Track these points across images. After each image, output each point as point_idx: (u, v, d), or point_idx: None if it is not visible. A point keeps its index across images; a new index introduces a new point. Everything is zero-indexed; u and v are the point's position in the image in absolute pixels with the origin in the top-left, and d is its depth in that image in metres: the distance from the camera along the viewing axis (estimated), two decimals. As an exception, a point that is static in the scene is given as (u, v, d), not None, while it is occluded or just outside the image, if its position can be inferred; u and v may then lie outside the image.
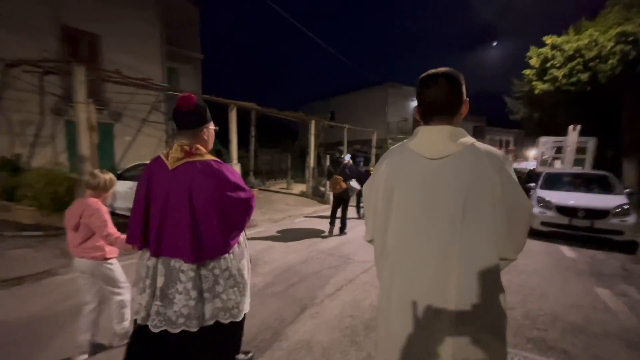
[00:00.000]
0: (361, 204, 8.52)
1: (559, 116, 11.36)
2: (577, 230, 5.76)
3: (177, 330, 1.37)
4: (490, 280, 0.93)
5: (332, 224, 6.09)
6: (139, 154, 9.32)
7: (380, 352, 1.09)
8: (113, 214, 6.54)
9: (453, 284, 0.92)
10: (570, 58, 9.61)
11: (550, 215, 6.04)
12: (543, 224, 6.10)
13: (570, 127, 10.05)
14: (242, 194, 1.46)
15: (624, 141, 10.47)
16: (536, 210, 6.08)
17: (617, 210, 5.56)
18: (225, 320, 1.46)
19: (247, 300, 1.59)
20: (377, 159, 15.40)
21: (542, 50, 10.51)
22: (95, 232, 2.02)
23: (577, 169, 9.13)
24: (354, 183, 6.00)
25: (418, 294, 0.97)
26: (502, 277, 0.99)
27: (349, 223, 6.36)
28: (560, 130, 10.55)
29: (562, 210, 5.95)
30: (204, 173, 1.38)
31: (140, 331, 1.44)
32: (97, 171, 2.18)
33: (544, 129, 12.41)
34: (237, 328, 1.58)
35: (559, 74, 9.82)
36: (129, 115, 9.41)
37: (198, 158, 1.41)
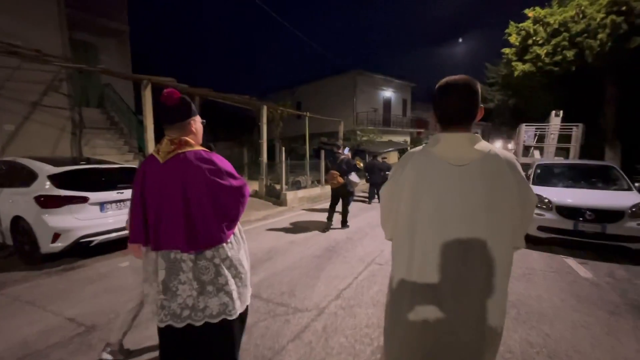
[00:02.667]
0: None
1: (538, 101, 10.35)
2: (584, 237, 4.53)
3: (182, 325, 1.36)
4: (506, 268, 1.07)
5: (329, 219, 6.00)
6: (29, 147, 7.05)
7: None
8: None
9: (478, 273, 1.04)
10: (555, 33, 8.48)
11: (550, 218, 4.77)
12: (541, 228, 4.82)
13: (553, 113, 9.08)
14: (234, 182, 1.44)
15: (606, 128, 9.65)
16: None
17: (634, 210, 4.39)
18: (232, 316, 1.43)
19: (249, 291, 1.58)
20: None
21: (524, 24, 9.28)
22: None
23: (559, 159, 8.20)
24: (353, 177, 5.94)
25: (453, 282, 1.05)
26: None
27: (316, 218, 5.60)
28: (536, 118, 9.57)
29: (565, 211, 4.70)
30: (194, 162, 1.37)
31: (165, 331, 1.41)
32: None
33: (520, 117, 11.52)
34: (242, 319, 1.57)
35: (541, 51, 8.67)
36: (9, 96, 7.06)
37: (188, 148, 1.41)
